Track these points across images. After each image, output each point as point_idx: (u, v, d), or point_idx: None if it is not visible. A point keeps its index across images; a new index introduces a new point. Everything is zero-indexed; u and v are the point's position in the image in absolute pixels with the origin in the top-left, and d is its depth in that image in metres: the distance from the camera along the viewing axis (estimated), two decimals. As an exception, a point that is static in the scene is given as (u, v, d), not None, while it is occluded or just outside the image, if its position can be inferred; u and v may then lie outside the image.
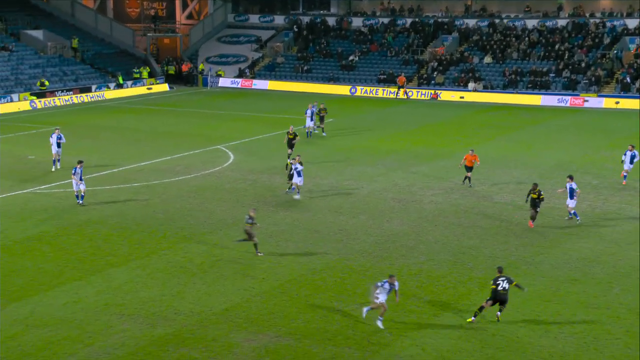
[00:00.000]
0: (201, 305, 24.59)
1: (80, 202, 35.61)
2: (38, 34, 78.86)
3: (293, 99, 73.70)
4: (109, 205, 36.05)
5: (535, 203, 32.17)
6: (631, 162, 39.38)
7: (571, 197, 33.11)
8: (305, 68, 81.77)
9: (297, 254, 29.47)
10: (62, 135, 43.60)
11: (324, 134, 53.56)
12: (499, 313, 23.05)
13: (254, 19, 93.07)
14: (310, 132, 51.62)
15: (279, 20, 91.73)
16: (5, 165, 44.50)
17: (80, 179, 35.46)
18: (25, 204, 36.47)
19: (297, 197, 36.76)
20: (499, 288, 22.75)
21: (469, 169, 39.27)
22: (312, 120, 51.01)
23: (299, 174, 36.49)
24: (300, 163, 36.67)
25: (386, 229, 32.47)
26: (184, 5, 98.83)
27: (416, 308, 24.38)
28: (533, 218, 32.45)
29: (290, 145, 43.28)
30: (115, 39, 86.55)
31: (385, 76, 77.63)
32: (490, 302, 22.87)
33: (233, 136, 53.69)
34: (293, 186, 37.11)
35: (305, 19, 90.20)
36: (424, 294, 25.55)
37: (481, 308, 23.01)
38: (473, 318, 23.03)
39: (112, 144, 51.45)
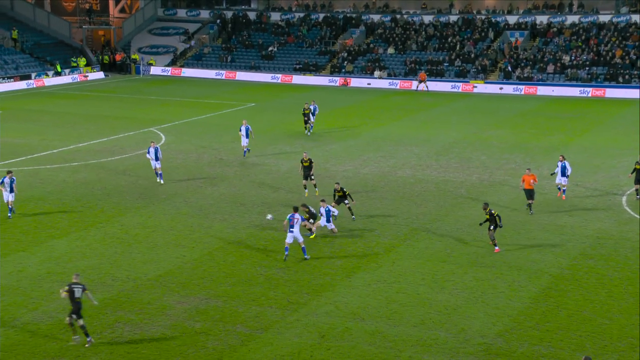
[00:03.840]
0: (136, 272, 24.17)
1: (10, 215, 29.53)
2: (-21, 25, 75.66)
3: (219, 85, 72.90)
4: (50, 183, 34.98)
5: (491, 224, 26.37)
6: (563, 174, 32.04)
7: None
8: (229, 58, 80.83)
9: (224, 225, 29.23)
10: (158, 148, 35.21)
11: (308, 133, 47.30)
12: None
13: (181, 13, 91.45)
14: (246, 150, 40.85)
15: (205, 14, 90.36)
16: (-49, 147, 42.70)
17: (11, 190, 29.30)
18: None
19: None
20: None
21: (530, 193, 30.21)
22: (247, 137, 40.39)
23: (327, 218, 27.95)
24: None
25: (303, 201, 32.42)
26: (117, 0, 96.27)
27: (330, 271, 24.51)
28: (493, 241, 26.40)
29: (306, 175, 33.23)
30: (53, 30, 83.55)
31: (300, 65, 77.44)
32: None
33: (164, 119, 52.72)
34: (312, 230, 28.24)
35: (229, 14, 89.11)
36: (337, 258, 25.70)
37: None
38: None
39: (51, 127, 49.86)
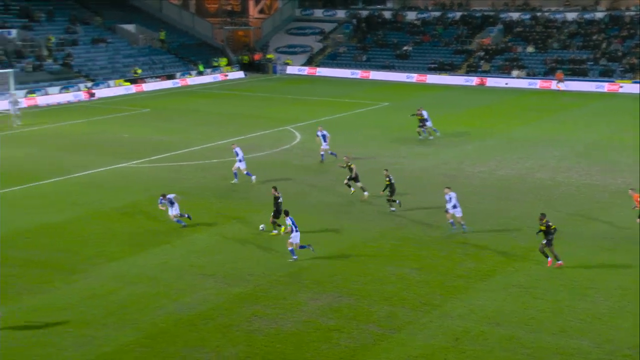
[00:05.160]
0: (271, 268, 24.69)
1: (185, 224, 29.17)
2: (131, 27, 79.80)
3: (353, 85, 73.33)
4: (191, 179, 36.38)
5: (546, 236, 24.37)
6: None
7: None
8: (364, 57, 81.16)
9: (355, 224, 29.35)
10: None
11: (421, 137, 45.18)
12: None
13: (318, 13, 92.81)
14: (331, 153, 39.81)
15: (341, 14, 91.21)
16: (103, 143, 45.33)
17: (172, 204, 28.97)
18: (121, 176, 37.10)
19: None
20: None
21: None
22: (325, 142, 39.66)
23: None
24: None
25: (436, 201, 32.00)
26: (257, 1, 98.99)
27: (464, 273, 24.07)
28: (544, 253, 24.49)
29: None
30: (197, 31, 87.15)
31: (436, 64, 76.60)
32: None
33: (299, 118, 53.62)
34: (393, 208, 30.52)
35: (364, 13, 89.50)
36: (470, 260, 25.20)
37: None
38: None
39: (193, 125, 51.86)
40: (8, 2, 73.69)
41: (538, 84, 69.67)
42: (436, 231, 28.24)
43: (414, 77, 75.57)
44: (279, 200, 27.74)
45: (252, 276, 24.00)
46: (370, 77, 77.26)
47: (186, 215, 29.24)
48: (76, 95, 64.28)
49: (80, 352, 18.99)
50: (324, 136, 39.72)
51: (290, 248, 25.31)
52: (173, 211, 28.92)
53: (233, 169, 35.62)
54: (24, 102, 59.26)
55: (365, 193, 32.41)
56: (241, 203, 32.31)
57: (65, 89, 64.79)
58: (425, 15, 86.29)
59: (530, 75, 71.64)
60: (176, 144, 44.82)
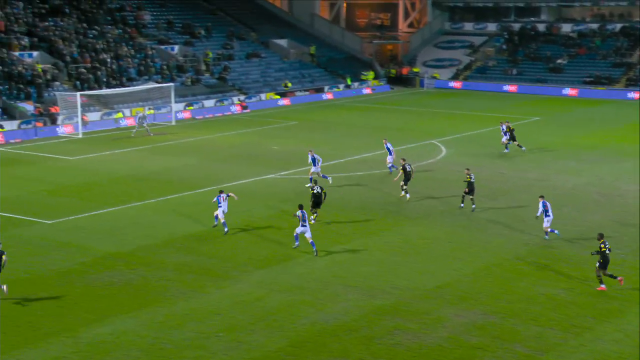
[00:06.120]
0: (415, 282, 24.56)
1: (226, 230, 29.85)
2: (283, 42, 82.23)
3: (502, 99, 71.66)
4: (335, 191, 36.76)
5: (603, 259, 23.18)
6: None
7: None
8: (514, 71, 79.15)
9: (502, 240, 28.65)
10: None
11: (506, 150, 45.10)
12: None
13: (468, 26, 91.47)
14: (390, 166, 40.05)
15: (492, 27, 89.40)
16: (254, 154, 46.89)
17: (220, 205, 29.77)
18: (269, 187, 38.21)
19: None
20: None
21: None
22: (390, 154, 39.91)
23: None
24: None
25: (589, 220, 30.74)
26: (406, 15, 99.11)
27: (619, 296, 22.88)
28: (600, 279, 23.39)
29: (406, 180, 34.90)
30: (346, 45, 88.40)
31: (592, 78, 73.39)
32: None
33: (446, 132, 53.06)
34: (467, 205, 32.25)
35: (516, 26, 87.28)
36: (627, 283, 23.86)
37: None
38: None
39: (339, 137, 52.54)
40: (172, 20, 78.11)
41: None
42: (587, 250, 26.98)
43: (567, 91, 72.80)
44: (315, 193, 30.60)
45: (395, 289, 23.98)
46: (521, 92, 75.21)
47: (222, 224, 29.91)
48: (230, 107, 67.01)
49: (230, 357, 19.67)
50: (388, 149, 40.12)
51: (295, 234, 27.57)
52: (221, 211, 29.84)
53: (309, 174, 37.29)
54: (183, 114, 62.52)
55: (407, 195, 34.36)
56: (385, 216, 32.36)
57: (220, 101, 67.70)
58: (582, 27, 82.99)
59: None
60: (323, 156, 45.55)
